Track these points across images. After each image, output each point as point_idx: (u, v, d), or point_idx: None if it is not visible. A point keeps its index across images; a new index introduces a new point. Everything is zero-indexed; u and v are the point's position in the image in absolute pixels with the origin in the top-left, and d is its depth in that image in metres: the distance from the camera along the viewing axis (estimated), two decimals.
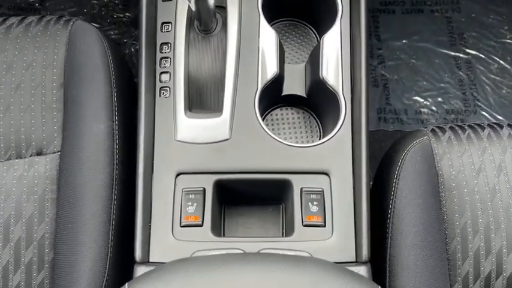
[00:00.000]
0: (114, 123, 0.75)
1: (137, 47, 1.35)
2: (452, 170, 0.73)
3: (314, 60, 0.79)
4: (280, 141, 0.74)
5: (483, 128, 0.77)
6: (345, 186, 0.72)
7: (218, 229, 0.73)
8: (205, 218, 0.70)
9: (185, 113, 0.76)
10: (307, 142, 0.80)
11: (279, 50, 0.78)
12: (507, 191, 0.72)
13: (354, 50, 0.78)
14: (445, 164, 0.74)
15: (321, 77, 0.76)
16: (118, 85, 0.77)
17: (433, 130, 0.77)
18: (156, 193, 0.72)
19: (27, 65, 0.77)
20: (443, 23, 1.43)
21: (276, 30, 0.80)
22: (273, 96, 0.80)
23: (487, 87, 1.37)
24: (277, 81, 0.78)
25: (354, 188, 0.72)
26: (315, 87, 0.79)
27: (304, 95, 0.82)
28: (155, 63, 0.78)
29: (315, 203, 0.71)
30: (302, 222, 0.70)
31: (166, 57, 0.78)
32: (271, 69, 0.77)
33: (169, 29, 0.79)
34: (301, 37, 0.88)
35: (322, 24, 0.83)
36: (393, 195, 0.73)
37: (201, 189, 0.71)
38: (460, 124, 0.79)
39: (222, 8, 0.80)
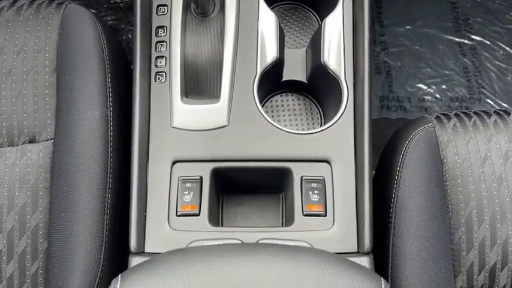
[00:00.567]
0: (109, 110, 0.74)
1: None
2: (457, 158, 0.73)
3: (315, 45, 0.78)
4: (280, 128, 0.73)
5: (489, 115, 0.76)
6: (347, 175, 0.71)
7: (216, 219, 0.72)
8: (202, 207, 0.69)
9: (181, 98, 0.75)
10: (308, 129, 0.79)
11: (278, 33, 0.76)
12: None
13: (356, 33, 0.77)
14: (450, 151, 0.73)
15: (323, 62, 0.75)
16: (112, 70, 0.76)
17: (437, 117, 0.76)
18: (152, 182, 0.71)
19: (18, 50, 0.76)
20: (448, 8, 1.42)
21: (275, 14, 0.79)
22: (272, 82, 0.79)
23: (492, 74, 1.36)
24: (277, 66, 0.77)
25: (356, 176, 0.71)
26: (316, 72, 0.78)
27: (305, 81, 0.81)
28: (150, 48, 0.77)
29: (316, 191, 0.71)
30: (302, 211, 0.69)
31: (162, 41, 0.78)
32: (270, 54, 0.76)
33: (165, 12, 0.78)
34: (302, 21, 0.87)
35: (324, 7, 0.82)
36: (396, 183, 0.72)
37: (198, 177, 0.71)
38: (465, 111, 0.78)
39: None
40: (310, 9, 0.88)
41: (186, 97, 0.76)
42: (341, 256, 0.55)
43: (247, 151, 0.72)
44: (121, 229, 0.73)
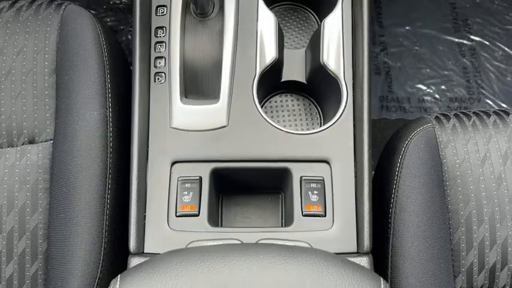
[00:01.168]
0: (108, 110, 0.74)
1: None
2: (456, 158, 0.73)
3: (314, 45, 0.78)
4: (279, 129, 0.73)
5: (489, 115, 0.76)
6: (346, 175, 0.71)
7: (215, 219, 0.72)
8: (202, 207, 0.69)
9: (181, 99, 0.75)
10: (307, 129, 0.79)
11: (278, 34, 0.76)
12: None
13: (355, 34, 0.77)
14: (449, 152, 0.73)
15: (322, 62, 0.75)
16: (112, 71, 0.76)
17: (437, 117, 0.76)
18: (151, 182, 0.71)
19: (18, 51, 0.76)
20: (447, 9, 1.43)
21: (275, 14, 0.79)
22: (272, 82, 0.79)
23: (491, 74, 1.37)
24: (276, 67, 0.77)
25: (355, 176, 0.71)
26: (315, 73, 0.78)
27: (304, 81, 0.82)
28: (150, 48, 0.77)
29: (315, 192, 0.71)
30: (302, 212, 0.69)
31: (161, 42, 0.78)
32: (270, 54, 0.76)
33: (165, 13, 0.78)
34: (301, 21, 0.87)
35: (323, 8, 0.82)
36: (396, 184, 0.72)
37: (198, 177, 0.71)
38: (465, 111, 0.78)
39: None
40: (309, 9, 0.88)
41: (186, 97, 0.76)
42: (340, 256, 0.55)
43: (246, 151, 0.72)
44: (120, 230, 0.73)
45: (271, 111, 0.82)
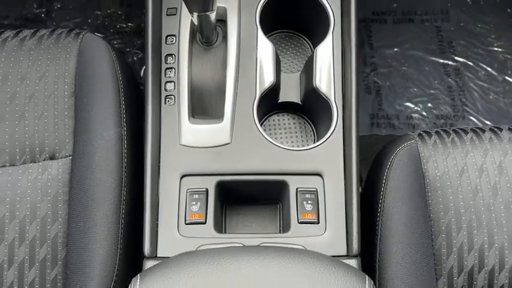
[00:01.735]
0: (123, 129, 0.78)
1: (140, 56, 1.43)
2: (437, 171, 0.76)
3: (308, 70, 0.83)
4: (277, 145, 0.77)
5: (466, 133, 0.81)
6: (337, 187, 0.76)
7: (220, 226, 0.76)
8: (208, 216, 0.73)
9: (189, 119, 0.79)
10: (302, 146, 0.84)
11: (275, 60, 0.82)
12: (488, 191, 0.75)
13: (345, 60, 0.82)
14: (430, 166, 0.77)
15: (315, 86, 0.80)
16: (126, 94, 0.81)
17: (420, 134, 0.80)
18: (163, 194, 0.76)
19: (40, 76, 0.80)
20: (433, 32, 1.46)
21: (272, 42, 0.84)
22: (270, 103, 0.85)
23: (475, 93, 1.40)
24: (274, 90, 0.82)
25: (345, 188, 0.76)
26: (309, 94, 0.83)
27: (299, 102, 0.86)
28: (160, 73, 0.81)
29: (309, 201, 0.75)
30: (297, 219, 0.73)
31: (171, 68, 0.82)
32: (268, 79, 0.80)
33: (174, 42, 0.83)
34: (296, 48, 0.92)
35: (316, 36, 0.88)
36: (383, 195, 0.76)
37: (204, 189, 0.75)
38: (445, 128, 0.83)
39: (222, 21, 0.84)
40: (303, 36, 0.93)
41: (193, 117, 0.80)
42: (331, 257, 0.61)
43: (248, 166, 0.76)
44: (134, 237, 0.77)
45: (270, 129, 0.87)
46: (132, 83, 0.88)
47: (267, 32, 0.85)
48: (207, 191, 0.75)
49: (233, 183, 0.76)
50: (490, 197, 0.75)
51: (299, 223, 0.73)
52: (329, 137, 0.79)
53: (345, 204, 0.75)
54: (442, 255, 0.74)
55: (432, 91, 1.40)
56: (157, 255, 0.71)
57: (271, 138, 0.79)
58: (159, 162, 0.78)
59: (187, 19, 0.83)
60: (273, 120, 0.88)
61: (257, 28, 0.83)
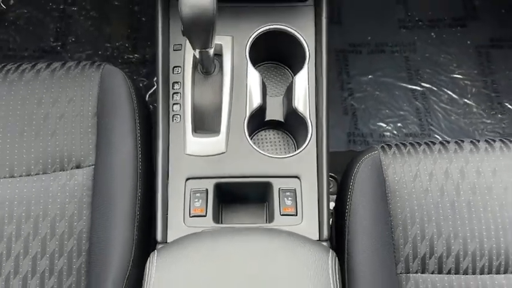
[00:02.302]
0: (138, 143, 0.84)
1: (145, 83, 1.49)
2: (395, 176, 0.82)
3: (289, 94, 0.92)
4: (263, 154, 0.86)
5: (420, 145, 0.86)
6: (311, 186, 0.84)
7: (217, 218, 0.84)
8: (208, 210, 0.82)
9: (192, 133, 0.87)
10: (284, 154, 0.90)
11: (261, 86, 0.90)
12: (436, 192, 0.81)
13: (318, 86, 0.91)
14: (390, 172, 0.82)
15: (294, 107, 0.89)
16: (139, 114, 0.87)
17: (382, 147, 0.86)
18: (171, 193, 0.84)
19: (69, 99, 0.86)
20: (402, 61, 1.54)
21: (259, 71, 0.92)
22: (258, 121, 0.93)
23: (439, 114, 1.46)
24: (261, 110, 0.91)
25: (318, 187, 0.84)
26: (289, 114, 0.93)
27: (282, 120, 0.94)
28: (169, 97, 0.89)
29: (289, 198, 0.83)
30: (280, 212, 0.82)
31: (177, 92, 0.90)
32: (256, 101, 0.89)
33: (179, 72, 0.90)
34: (280, 76, 1.01)
35: (295, 66, 0.96)
36: (350, 195, 0.81)
37: (205, 189, 0.83)
38: (403, 142, 0.88)
39: (219, 55, 0.91)
40: (285, 67, 1.01)
41: (195, 132, 0.87)
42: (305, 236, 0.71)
43: (240, 170, 0.84)
44: (147, 230, 0.84)
45: (258, 142, 0.94)
46: (143, 105, 0.92)
47: (255, 63, 0.93)
48: (207, 190, 0.83)
49: (228, 185, 0.84)
50: (438, 197, 0.81)
51: (281, 215, 0.81)
52: (305, 147, 0.87)
53: (317, 200, 0.84)
54: (400, 244, 0.79)
55: (402, 112, 1.46)
56: (167, 241, 0.79)
57: (259, 148, 0.86)
58: (168, 168, 0.85)
59: (190, 53, 0.90)
60: (261, 135, 0.95)
61: (247, 61, 0.91)
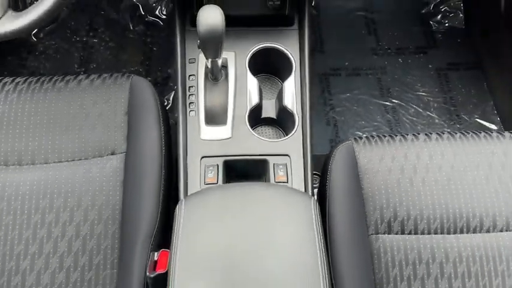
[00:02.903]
0: (161, 133, 0.94)
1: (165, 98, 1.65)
2: (365, 159, 0.92)
3: (280, 96, 1.07)
4: (261, 138, 1.01)
5: (385, 137, 0.97)
6: (299, 162, 0.99)
7: None
8: (219, 180, 0.95)
9: (205, 124, 1.01)
10: (277, 139, 1.04)
11: (259, 89, 1.05)
12: (397, 171, 0.91)
13: (302, 88, 1.07)
14: (361, 156, 0.92)
15: (284, 105, 1.05)
16: (162, 112, 0.97)
17: (355, 138, 0.96)
18: (190, 168, 0.98)
19: (105, 101, 0.97)
20: (375, 82, 1.69)
21: (257, 80, 1.06)
22: (256, 117, 1.07)
23: (407, 125, 1.60)
24: (258, 108, 1.06)
25: (303, 163, 0.99)
26: (280, 111, 1.07)
27: (275, 117, 1.09)
28: (186, 98, 1.04)
29: (282, 170, 0.97)
30: (274, 181, 0.94)
31: (192, 94, 1.05)
32: (254, 100, 1.05)
33: (194, 79, 1.06)
34: (272, 84, 1.16)
35: (284, 76, 1.11)
36: (329, 176, 0.92)
37: (216, 164, 0.97)
38: (372, 135, 0.98)
39: (225, 67, 1.06)
40: (276, 77, 1.17)
41: (207, 124, 1.02)
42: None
43: (243, 151, 0.98)
44: (169, 202, 0.91)
45: (256, 133, 1.01)
46: (163, 106, 1.02)
47: (253, 74, 1.06)
48: (217, 165, 0.97)
49: (233, 162, 0.98)
50: (399, 174, 0.92)
51: (275, 182, 0.94)
52: (293, 133, 1.01)
53: (303, 171, 0.98)
54: (370, 211, 0.89)
55: (375, 123, 1.59)
56: None
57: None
58: (187, 150, 0.99)
59: (202, 65, 1.06)
60: (258, 129, 1.09)
61: (246, 70, 1.06)
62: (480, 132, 0.99)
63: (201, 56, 1.08)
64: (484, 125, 1.59)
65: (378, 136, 0.98)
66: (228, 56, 1.08)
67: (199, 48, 0.91)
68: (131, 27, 1.78)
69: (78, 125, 0.96)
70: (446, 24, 1.84)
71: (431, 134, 0.98)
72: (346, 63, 1.73)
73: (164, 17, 1.87)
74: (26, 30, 0.84)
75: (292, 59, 1.10)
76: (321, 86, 1.69)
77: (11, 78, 1.02)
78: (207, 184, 0.96)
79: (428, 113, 1.63)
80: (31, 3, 1.27)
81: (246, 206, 0.75)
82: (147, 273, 0.74)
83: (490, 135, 0.98)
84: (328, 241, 0.85)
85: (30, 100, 0.98)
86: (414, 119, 1.62)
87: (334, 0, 1.85)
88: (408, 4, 1.85)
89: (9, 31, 0.83)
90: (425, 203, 0.91)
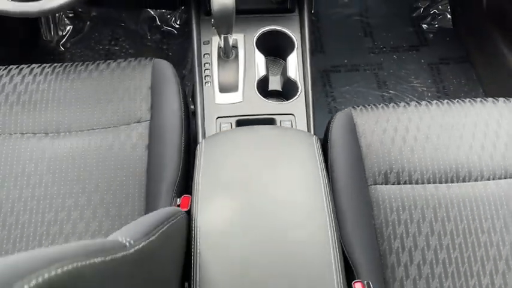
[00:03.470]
0: (181, 105, 1.04)
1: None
2: (362, 122, 1.00)
3: (284, 69, 1.20)
4: (268, 101, 1.13)
5: (377, 107, 1.03)
6: (302, 119, 1.11)
7: None
8: None
9: (219, 91, 1.14)
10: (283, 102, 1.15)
11: (266, 64, 1.17)
12: (392, 131, 0.98)
13: (303, 61, 1.20)
14: (359, 119, 1.01)
15: (288, 76, 1.18)
16: (182, 88, 1.07)
17: (352, 107, 1.04)
18: (208, 128, 1.10)
19: (131, 78, 1.07)
20: (373, 76, 1.81)
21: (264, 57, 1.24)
22: (263, 90, 1.17)
23: None
24: (265, 80, 1.18)
25: (307, 120, 1.11)
26: (285, 83, 1.20)
27: (280, 89, 1.22)
28: (202, 72, 1.17)
29: (287, 125, 1.08)
30: None
31: (207, 69, 1.18)
32: (262, 72, 1.17)
33: (208, 57, 1.19)
34: (276, 64, 1.29)
35: (287, 55, 1.22)
36: (329, 138, 1.01)
37: (229, 123, 1.09)
38: (367, 106, 1.04)
39: (235, 47, 1.19)
40: (280, 59, 1.29)
41: (220, 91, 1.14)
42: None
43: (252, 111, 1.10)
44: (188, 157, 1.00)
45: None
46: (181, 82, 1.10)
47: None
48: (231, 123, 1.09)
49: (245, 121, 1.09)
50: (393, 133, 0.99)
51: None
52: (297, 97, 1.15)
53: (306, 126, 1.11)
54: (368, 164, 0.95)
55: None
56: None
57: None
58: (204, 112, 1.12)
59: (215, 45, 1.20)
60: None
61: (254, 48, 1.20)
62: (466, 99, 1.07)
63: (214, 38, 1.22)
64: None
65: (373, 105, 1.07)
66: (238, 37, 1.22)
67: (213, 26, 1.07)
68: (148, 37, 1.91)
69: (107, 98, 1.07)
70: (436, 25, 1.96)
71: (421, 102, 1.05)
72: (345, 61, 1.83)
73: (178, 26, 2.04)
74: (72, 4, 1.00)
75: (293, 38, 1.24)
76: (322, 81, 1.79)
77: (49, 64, 1.13)
78: None
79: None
80: None
81: (258, 142, 0.87)
82: None
83: (474, 100, 1.06)
84: (332, 191, 0.89)
85: (66, 79, 1.09)
86: None
87: (332, 7, 1.98)
88: (400, 9, 1.97)
89: (56, 6, 0.98)
90: (417, 156, 0.97)
